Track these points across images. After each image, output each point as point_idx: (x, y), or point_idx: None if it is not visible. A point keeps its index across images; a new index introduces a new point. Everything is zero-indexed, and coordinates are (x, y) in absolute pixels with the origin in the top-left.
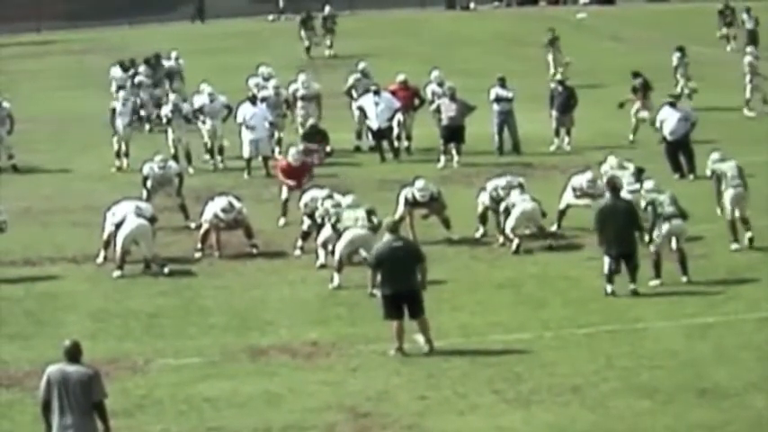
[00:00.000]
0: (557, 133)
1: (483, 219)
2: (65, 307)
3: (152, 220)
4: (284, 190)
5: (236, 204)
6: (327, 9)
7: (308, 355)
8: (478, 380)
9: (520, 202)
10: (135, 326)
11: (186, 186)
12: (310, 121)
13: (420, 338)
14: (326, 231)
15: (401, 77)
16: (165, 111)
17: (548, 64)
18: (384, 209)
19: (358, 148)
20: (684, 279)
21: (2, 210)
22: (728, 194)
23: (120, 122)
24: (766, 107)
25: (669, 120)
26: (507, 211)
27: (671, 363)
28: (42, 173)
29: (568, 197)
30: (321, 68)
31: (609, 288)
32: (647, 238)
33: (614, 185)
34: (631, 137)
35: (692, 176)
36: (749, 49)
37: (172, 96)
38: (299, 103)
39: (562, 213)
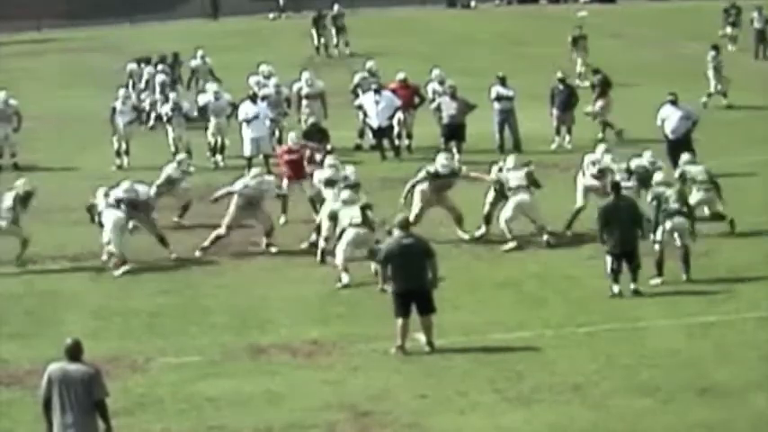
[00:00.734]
0: (557, 132)
1: (488, 219)
2: (65, 305)
3: (143, 205)
4: (285, 183)
5: (267, 177)
6: (336, 8)
7: (308, 354)
8: (479, 378)
9: (518, 194)
10: (136, 324)
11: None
12: (311, 120)
13: (421, 337)
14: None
15: (401, 76)
16: (166, 109)
17: (574, 62)
18: (385, 207)
19: (359, 147)
20: (684, 278)
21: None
22: (696, 197)
23: (120, 121)
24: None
25: (671, 118)
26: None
27: (672, 361)
28: (43, 171)
29: (586, 179)
30: (322, 67)
31: (615, 288)
32: (651, 236)
33: (616, 185)
34: (600, 135)
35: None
36: (712, 53)
37: (172, 95)
38: (304, 102)
39: (578, 212)
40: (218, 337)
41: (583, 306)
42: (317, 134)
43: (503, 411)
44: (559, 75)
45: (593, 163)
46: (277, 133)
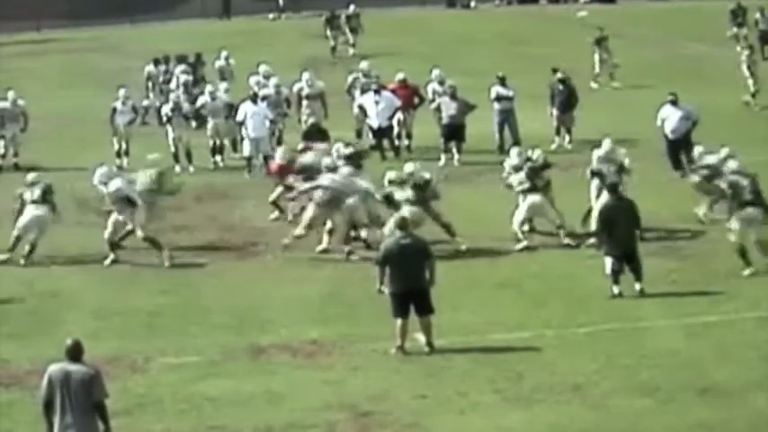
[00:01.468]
0: (557, 132)
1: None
2: (65, 305)
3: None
4: (277, 189)
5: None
6: (352, 8)
7: (308, 354)
8: (479, 379)
9: (530, 196)
10: (135, 324)
11: (187, 185)
12: (311, 120)
13: (421, 338)
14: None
15: (400, 76)
16: (166, 110)
17: (594, 64)
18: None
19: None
20: None
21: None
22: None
23: (120, 121)
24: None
25: (671, 118)
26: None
27: (672, 361)
28: (43, 171)
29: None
30: (323, 67)
31: (615, 289)
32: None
33: (613, 186)
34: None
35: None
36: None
37: (172, 95)
38: (305, 102)
39: (589, 212)
40: (218, 337)
41: (583, 306)
42: (317, 134)
43: (503, 411)
44: (559, 75)
45: (599, 158)
46: (277, 133)
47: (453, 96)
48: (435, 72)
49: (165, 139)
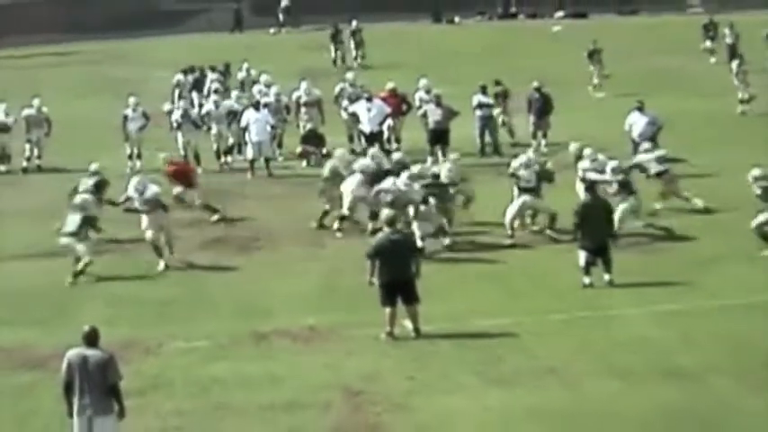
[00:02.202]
0: (534, 136)
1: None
2: (83, 295)
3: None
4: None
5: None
6: (354, 23)
7: (306, 340)
8: (462, 362)
9: (524, 195)
10: (148, 312)
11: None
12: (309, 125)
13: (408, 324)
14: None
15: (390, 85)
16: (176, 116)
17: (590, 74)
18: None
19: (352, 151)
20: None
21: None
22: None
23: (132, 127)
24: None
25: (637, 123)
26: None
27: (640, 347)
28: (63, 172)
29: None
30: (319, 77)
31: (587, 280)
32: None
33: (591, 185)
34: (511, 139)
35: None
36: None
37: (180, 103)
38: (303, 109)
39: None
40: (224, 324)
41: (559, 296)
42: (314, 139)
43: (484, 392)
44: (535, 84)
45: (584, 171)
46: (277, 138)
47: (438, 104)
48: (422, 81)
49: (173, 143)
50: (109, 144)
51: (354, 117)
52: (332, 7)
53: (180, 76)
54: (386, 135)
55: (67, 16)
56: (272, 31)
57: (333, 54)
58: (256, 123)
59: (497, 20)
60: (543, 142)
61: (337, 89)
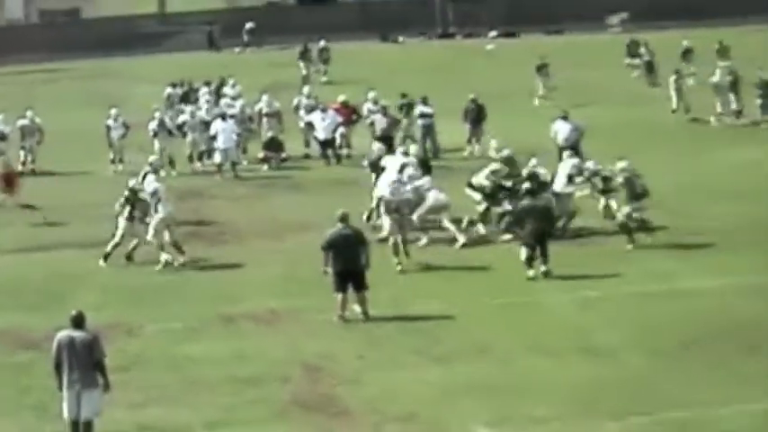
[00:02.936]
0: (469, 142)
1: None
2: (73, 284)
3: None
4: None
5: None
6: (322, 42)
7: (269, 322)
8: (405, 342)
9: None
10: (130, 298)
11: (169, 187)
12: (270, 134)
13: (357, 308)
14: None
15: (342, 98)
16: (152, 125)
17: (536, 87)
18: (332, 203)
19: (307, 155)
20: None
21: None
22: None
23: (114, 135)
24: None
25: (562, 130)
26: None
27: (566, 329)
28: (55, 176)
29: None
30: (280, 91)
31: (531, 273)
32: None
33: (530, 191)
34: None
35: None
36: (674, 76)
37: (157, 113)
38: (264, 119)
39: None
40: (197, 309)
41: (495, 284)
42: (274, 145)
43: (426, 369)
44: (471, 96)
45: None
46: (242, 145)
47: (385, 114)
48: (370, 94)
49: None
50: (97, 150)
51: (310, 126)
52: (293, 29)
53: (170, 89)
54: (338, 141)
55: (59, 37)
56: (237, 50)
57: (304, 70)
58: (224, 132)
59: (437, 39)
60: (477, 147)
61: (295, 101)
